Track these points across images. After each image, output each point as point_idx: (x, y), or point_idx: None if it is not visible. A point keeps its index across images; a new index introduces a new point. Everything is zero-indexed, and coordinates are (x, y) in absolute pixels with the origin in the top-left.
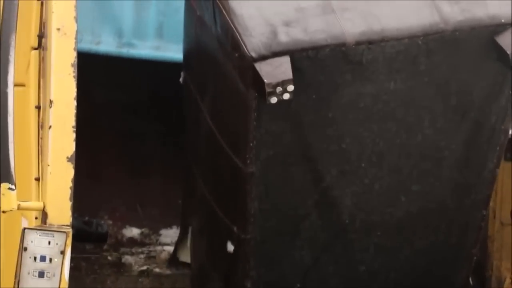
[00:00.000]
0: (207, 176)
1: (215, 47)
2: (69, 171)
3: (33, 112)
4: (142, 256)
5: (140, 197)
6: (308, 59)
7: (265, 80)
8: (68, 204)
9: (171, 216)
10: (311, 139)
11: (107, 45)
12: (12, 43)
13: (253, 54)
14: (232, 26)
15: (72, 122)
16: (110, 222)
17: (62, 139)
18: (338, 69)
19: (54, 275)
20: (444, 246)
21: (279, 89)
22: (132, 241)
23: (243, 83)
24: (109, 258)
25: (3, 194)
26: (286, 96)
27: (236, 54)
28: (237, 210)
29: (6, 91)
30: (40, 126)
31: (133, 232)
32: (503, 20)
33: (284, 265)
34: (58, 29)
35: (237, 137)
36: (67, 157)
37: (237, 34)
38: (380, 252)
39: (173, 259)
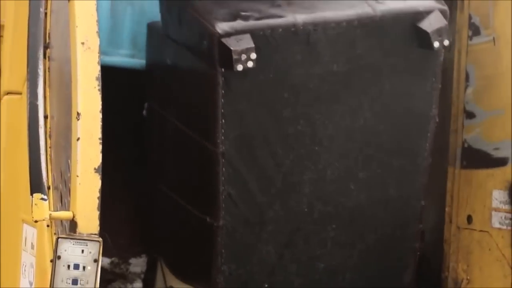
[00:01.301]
0: (176, 181)
1: (178, 52)
2: (97, 182)
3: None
4: None
5: (108, 227)
6: (265, 38)
7: (231, 48)
8: (96, 213)
9: (139, 245)
10: (271, 121)
11: None
12: (40, 56)
13: (220, 31)
14: (198, 16)
15: (99, 134)
16: None
17: (90, 150)
18: (290, 49)
19: (87, 283)
20: (391, 241)
21: (243, 56)
22: (102, 270)
23: (210, 63)
24: None
25: (35, 204)
26: (250, 64)
27: (204, 37)
28: (209, 198)
29: (37, 103)
30: (49, 135)
31: (103, 261)
32: (421, 9)
33: (253, 261)
34: (83, 43)
35: (206, 121)
36: (95, 168)
37: (204, 21)
38: (336, 247)
39: None
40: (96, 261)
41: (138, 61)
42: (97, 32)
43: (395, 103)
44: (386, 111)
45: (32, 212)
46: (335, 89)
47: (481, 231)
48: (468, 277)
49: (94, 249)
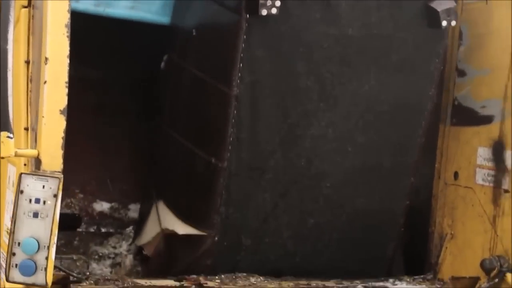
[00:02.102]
0: (185, 124)
1: (206, 6)
2: (62, 123)
3: (22, 66)
4: None
5: (111, 174)
6: None
7: None
8: (60, 152)
9: (140, 192)
10: (284, 72)
11: (86, 3)
12: (12, 3)
13: None
14: None
15: (65, 78)
16: (81, 196)
17: (56, 93)
18: (310, 6)
19: (47, 216)
20: (378, 210)
21: (269, 2)
22: (102, 215)
23: (236, 9)
24: None
25: (2, 142)
26: (274, 10)
27: None
28: (216, 139)
29: (6, 48)
30: (29, 79)
31: (104, 206)
32: None
33: (249, 207)
34: None
35: (225, 64)
36: (60, 110)
37: None
38: (327, 205)
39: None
40: (55, 196)
41: (137, 13)
42: None
43: (399, 76)
44: (390, 82)
45: None
46: (346, 52)
47: (465, 187)
48: (452, 232)
49: (54, 185)
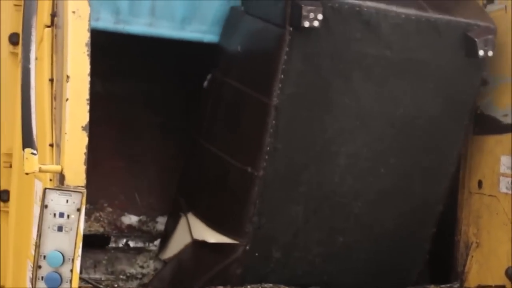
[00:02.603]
0: (219, 135)
1: (252, 23)
2: (84, 139)
3: (46, 84)
4: None
5: (138, 187)
6: (332, 9)
7: (302, 5)
8: (83, 167)
9: (167, 204)
10: (323, 87)
11: (106, 21)
12: (34, 24)
13: None
14: None
15: (86, 95)
16: (110, 209)
17: (78, 110)
18: (351, 25)
19: (71, 229)
20: (405, 236)
21: (311, 14)
22: (130, 228)
23: (280, 22)
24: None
25: (26, 158)
26: (316, 23)
27: (279, 1)
28: (254, 149)
29: (29, 67)
30: (54, 97)
31: (132, 219)
32: (472, 22)
33: (281, 219)
34: (74, 12)
35: (266, 75)
36: (82, 126)
37: None
38: (357, 225)
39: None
40: (79, 210)
41: (155, 30)
42: (88, 1)
43: (434, 102)
44: (425, 107)
45: (23, 165)
46: (384, 74)
47: (490, 195)
48: (478, 241)
49: (77, 199)
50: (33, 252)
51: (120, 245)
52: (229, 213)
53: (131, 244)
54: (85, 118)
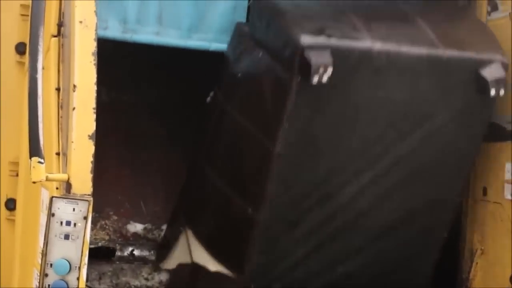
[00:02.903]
0: (224, 167)
1: (259, 52)
2: (90, 148)
3: (53, 93)
4: None
5: (143, 195)
6: (342, 57)
7: (311, 62)
8: (89, 176)
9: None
10: (329, 133)
11: (114, 30)
12: (41, 33)
13: (304, 44)
14: (287, 26)
15: (93, 104)
16: (115, 217)
17: (84, 119)
18: (361, 71)
19: (78, 238)
20: (407, 266)
21: (321, 70)
22: (136, 236)
23: (288, 71)
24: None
25: (33, 167)
26: (325, 78)
27: (288, 46)
28: (255, 191)
29: (36, 77)
30: (60, 106)
31: (137, 227)
32: (484, 58)
33: (280, 254)
34: (81, 22)
35: (271, 121)
36: (89, 135)
37: (291, 31)
38: (358, 256)
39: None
40: (85, 218)
41: (163, 39)
42: (95, 11)
43: (443, 139)
44: (433, 144)
45: (30, 174)
46: (392, 115)
47: (494, 202)
48: (482, 248)
49: (84, 207)
50: (39, 260)
51: (126, 253)
52: (229, 247)
53: (136, 252)
54: (91, 127)
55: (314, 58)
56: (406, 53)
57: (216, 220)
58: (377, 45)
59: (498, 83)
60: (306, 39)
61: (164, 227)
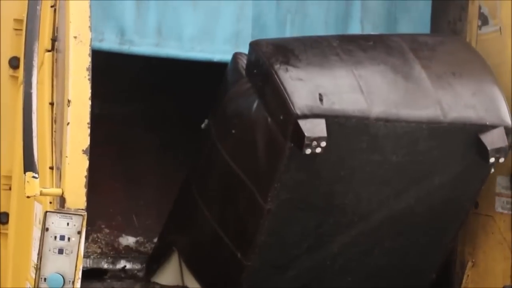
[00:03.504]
0: (216, 209)
1: (254, 98)
2: (84, 162)
3: (47, 107)
4: None
5: (135, 208)
6: (338, 125)
7: (306, 134)
8: (83, 190)
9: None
10: (323, 192)
11: (110, 42)
12: (36, 49)
13: (299, 112)
14: (283, 89)
15: (87, 119)
16: (107, 230)
17: (79, 134)
18: (357, 138)
19: (72, 252)
20: None
21: (314, 143)
22: (128, 249)
23: (282, 135)
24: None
25: (27, 182)
26: (318, 150)
27: (282, 111)
28: (246, 240)
29: (31, 92)
30: (54, 120)
31: (129, 240)
32: (487, 123)
33: None
34: (75, 37)
35: (264, 178)
36: (83, 150)
37: (287, 96)
38: None
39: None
40: (79, 233)
41: (163, 50)
42: (89, 27)
43: (437, 195)
44: (427, 200)
45: (24, 188)
46: (388, 175)
47: (486, 215)
48: (473, 260)
49: (78, 222)
50: (32, 274)
51: (118, 266)
52: (218, 284)
53: (128, 266)
54: (86, 141)
55: (308, 130)
56: (405, 119)
57: (207, 254)
58: (375, 111)
59: (499, 152)
60: (300, 108)
61: (156, 240)
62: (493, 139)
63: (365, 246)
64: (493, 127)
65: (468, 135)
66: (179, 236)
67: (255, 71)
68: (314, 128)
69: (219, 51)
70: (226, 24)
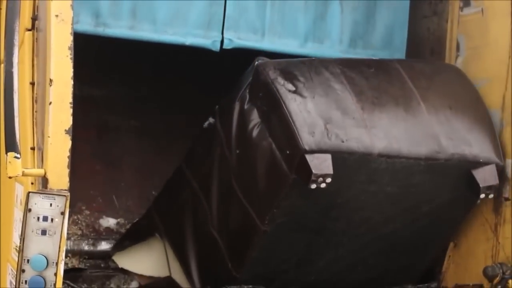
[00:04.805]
0: (214, 214)
1: (258, 121)
2: (67, 142)
3: (27, 87)
4: None
5: (116, 190)
6: (342, 160)
7: (313, 171)
8: (66, 171)
9: (145, 207)
10: (317, 216)
11: (85, 24)
12: (16, 27)
13: (306, 148)
14: (292, 122)
15: (70, 99)
16: (88, 212)
17: (61, 114)
18: (358, 171)
19: (55, 233)
20: None
21: (320, 179)
22: (108, 231)
23: (287, 166)
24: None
25: (9, 162)
26: (323, 185)
27: (289, 144)
28: (238, 253)
29: (12, 71)
30: (35, 100)
31: (110, 222)
32: (481, 160)
33: None
34: (57, 16)
35: (263, 202)
36: (65, 130)
37: (295, 129)
38: None
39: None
40: (63, 213)
41: (137, 33)
42: (71, 5)
43: (424, 221)
44: (415, 225)
45: (6, 169)
46: (381, 203)
47: None
48: (455, 241)
49: (61, 203)
50: (14, 256)
51: (99, 248)
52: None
53: (109, 247)
54: (68, 121)
55: (316, 167)
56: (405, 155)
57: (199, 251)
58: (377, 148)
59: (489, 189)
60: (308, 143)
61: None
62: (485, 176)
63: (349, 262)
64: (485, 163)
65: (461, 170)
66: (167, 220)
67: (260, 94)
68: (321, 165)
69: (191, 34)
70: (199, 8)
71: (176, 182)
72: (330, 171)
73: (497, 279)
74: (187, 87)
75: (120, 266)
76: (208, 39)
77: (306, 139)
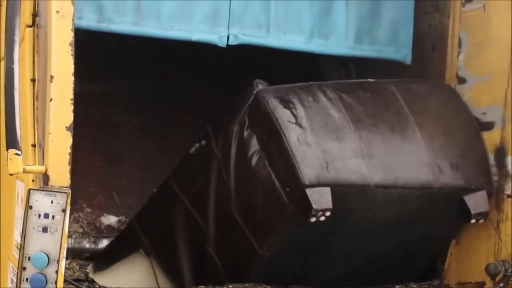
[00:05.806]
0: (212, 230)
1: (257, 149)
2: (68, 139)
3: (28, 84)
4: None
5: (117, 187)
6: (340, 192)
7: (313, 206)
8: (67, 168)
9: None
10: (314, 241)
11: (88, 20)
12: (17, 24)
13: (306, 182)
14: (292, 155)
15: (71, 95)
16: (89, 210)
17: (62, 110)
18: (356, 201)
19: (56, 230)
20: None
21: (320, 213)
22: (109, 228)
23: (287, 198)
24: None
25: (10, 159)
26: (322, 218)
27: (289, 177)
28: (236, 272)
29: (12, 67)
30: (35, 97)
31: (111, 219)
32: (473, 187)
33: None
34: (57, 12)
35: (262, 228)
36: (66, 127)
37: (295, 163)
38: None
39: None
40: (64, 210)
41: (142, 29)
42: (71, 1)
43: (416, 241)
44: (407, 245)
45: (7, 166)
46: (375, 228)
47: None
48: (457, 238)
49: (62, 200)
50: (14, 254)
51: (100, 245)
52: None
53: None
54: (69, 118)
55: (316, 202)
56: (401, 185)
57: (189, 263)
58: (375, 179)
59: (480, 215)
60: (309, 178)
61: None
62: (476, 203)
63: (343, 279)
64: (477, 190)
65: (454, 196)
66: (153, 237)
67: (260, 122)
68: (321, 199)
69: (197, 30)
70: (204, 3)
71: (163, 197)
72: (330, 205)
73: (500, 276)
74: (188, 83)
75: (101, 284)
76: (214, 35)
77: (307, 174)
